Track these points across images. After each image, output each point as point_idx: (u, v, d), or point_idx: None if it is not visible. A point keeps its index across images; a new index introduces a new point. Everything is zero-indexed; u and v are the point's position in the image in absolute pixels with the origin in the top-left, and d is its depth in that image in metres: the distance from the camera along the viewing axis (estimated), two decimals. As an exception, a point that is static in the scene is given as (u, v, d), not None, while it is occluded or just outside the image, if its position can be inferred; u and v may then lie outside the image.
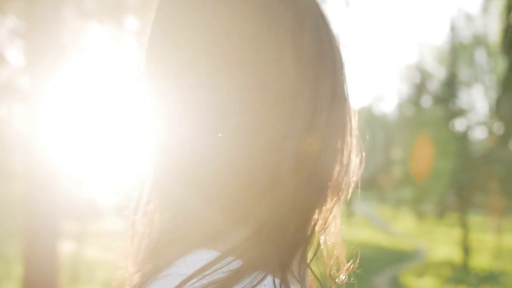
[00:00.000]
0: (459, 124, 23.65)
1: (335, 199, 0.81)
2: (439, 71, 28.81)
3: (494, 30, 24.82)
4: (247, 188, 0.74)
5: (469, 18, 27.70)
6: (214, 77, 0.76)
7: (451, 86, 22.96)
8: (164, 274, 0.71)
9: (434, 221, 25.49)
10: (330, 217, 0.82)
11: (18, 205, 11.16)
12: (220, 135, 0.75)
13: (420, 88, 29.09)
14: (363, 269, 0.88)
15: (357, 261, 0.87)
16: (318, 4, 0.84)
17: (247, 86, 0.75)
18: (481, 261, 14.70)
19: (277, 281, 0.72)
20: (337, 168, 0.80)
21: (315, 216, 0.79)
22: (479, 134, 28.11)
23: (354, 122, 0.84)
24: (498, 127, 22.77)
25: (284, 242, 0.73)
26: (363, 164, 0.86)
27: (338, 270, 0.86)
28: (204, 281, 0.68)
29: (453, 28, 25.51)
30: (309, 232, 0.78)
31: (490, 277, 12.08)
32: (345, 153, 0.81)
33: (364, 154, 0.85)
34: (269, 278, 0.71)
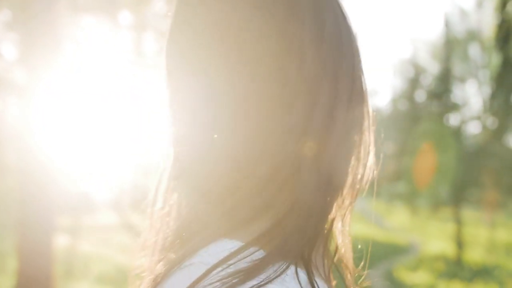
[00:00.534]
0: (453, 119, 23.70)
1: (352, 194, 0.82)
2: (433, 66, 28.80)
3: (488, 25, 24.83)
4: (268, 180, 0.75)
5: (463, 13, 27.68)
6: (235, 69, 0.77)
7: (445, 81, 22.99)
8: (188, 264, 0.71)
9: (428, 215, 25.55)
10: (348, 212, 0.82)
11: (13, 199, 11.15)
12: (240, 126, 0.75)
13: (414, 83, 29.10)
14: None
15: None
16: None
17: (268, 78, 0.75)
18: (474, 255, 14.75)
19: (300, 271, 0.72)
20: (355, 163, 0.81)
21: (333, 211, 0.79)
22: (473, 129, 28.17)
23: (372, 117, 0.84)
24: (492, 122, 22.81)
25: (305, 234, 0.73)
26: (380, 160, 0.86)
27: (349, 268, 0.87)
28: (229, 270, 0.68)
29: (447, 23, 25.51)
30: (328, 226, 0.79)
31: (484, 271, 12.13)
32: (363, 148, 0.82)
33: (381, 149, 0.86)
34: (292, 268, 0.72)
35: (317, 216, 0.75)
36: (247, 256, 0.71)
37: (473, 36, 27.37)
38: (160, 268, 0.74)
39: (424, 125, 21.42)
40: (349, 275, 0.86)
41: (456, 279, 10.89)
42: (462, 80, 27.43)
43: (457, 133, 22.02)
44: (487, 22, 24.83)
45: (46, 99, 7.28)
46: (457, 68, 26.80)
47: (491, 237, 17.94)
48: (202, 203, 0.78)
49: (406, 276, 11.31)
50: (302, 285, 0.71)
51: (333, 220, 0.80)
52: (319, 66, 0.77)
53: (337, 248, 0.84)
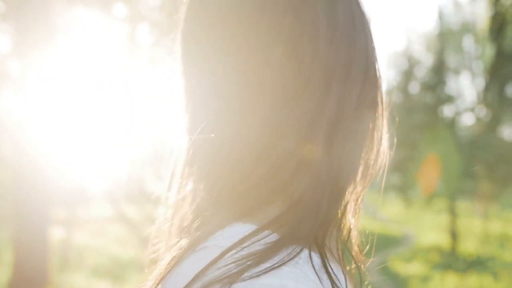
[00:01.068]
0: (447, 111, 23.71)
1: (365, 180, 0.82)
2: (427, 58, 28.81)
3: (482, 17, 24.85)
4: (281, 165, 0.76)
5: (457, 5, 27.72)
6: (249, 57, 0.77)
7: (439, 72, 22.97)
8: (202, 246, 0.72)
9: (421, 207, 25.58)
10: (360, 199, 0.83)
11: (8, 192, 11.12)
12: (254, 112, 0.76)
13: (408, 75, 29.11)
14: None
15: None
16: None
17: (282, 65, 0.76)
18: (469, 246, 14.80)
19: (313, 254, 0.73)
20: (368, 149, 0.81)
21: (347, 196, 0.80)
22: (467, 120, 28.22)
23: (385, 103, 0.84)
24: (486, 114, 22.85)
25: (318, 218, 0.74)
26: (393, 146, 0.87)
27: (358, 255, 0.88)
28: (243, 253, 0.69)
29: (441, 15, 25.50)
30: (341, 211, 0.79)
31: (478, 262, 12.17)
32: (376, 134, 0.82)
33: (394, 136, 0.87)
34: (305, 252, 0.72)
35: (330, 200, 0.76)
36: (261, 239, 0.72)
37: (467, 28, 27.40)
38: (175, 251, 0.75)
39: (418, 117, 21.43)
40: (358, 260, 0.87)
41: (450, 270, 10.92)
42: (456, 72, 27.46)
43: (451, 124, 22.05)
44: (481, 14, 24.85)
45: (40, 92, 7.26)
46: (451, 60, 26.83)
47: (485, 228, 18.00)
48: (216, 188, 0.79)
49: (401, 267, 11.34)
50: (316, 268, 0.72)
51: (346, 204, 0.81)
52: (333, 53, 0.77)
53: (350, 231, 0.85)
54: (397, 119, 0.93)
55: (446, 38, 25.23)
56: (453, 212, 17.01)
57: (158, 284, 0.75)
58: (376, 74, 0.82)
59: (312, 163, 0.75)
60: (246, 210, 0.76)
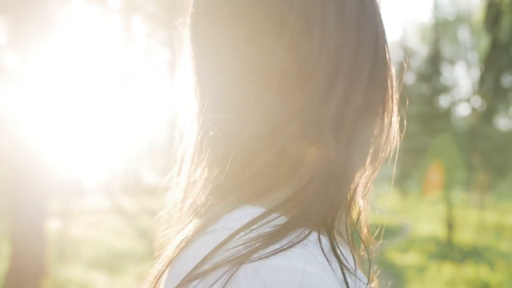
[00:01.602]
0: (442, 101, 23.75)
1: (375, 163, 0.82)
2: (422, 48, 28.84)
3: (477, 8, 24.84)
4: (290, 148, 0.75)
5: (452, -5, 27.69)
6: (258, 41, 0.77)
7: (434, 63, 23.00)
8: (211, 229, 0.72)
9: (417, 197, 25.66)
10: (370, 182, 0.83)
11: (5, 185, 11.11)
12: (262, 95, 0.76)
13: (403, 65, 29.13)
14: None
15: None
16: None
17: (290, 49, 0.76)
18: (465, 236, 14.84)
19: (322, 237, 0.73)
20: (378, 132, 0.81)
21: (356, 179, 0.80)
22: (462, 111, 28.27)
23: (395, 87, 0.84)
24: (481, 104, 22.88)
25: (326, 201, 0.74)
26: (404, 129, 0.87)
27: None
28: (252, 235, 0.69)
29: (436, 6, 25.54)
30: (350, 194, 0.79)
31: (474, 252, 12.20)
32: (386, 117, 0.82)
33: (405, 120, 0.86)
34: (314, 234, 0.72)
35: (339, 184, 0.76)
36: (270, 222, 0.72)
37: (462, 18, 27.42)
38: (184, 234, 0.75)
39: (413, 108, 21.46)
40: (367, 242, 0.87)
41: (446, 260, 10.95)
42: (452, 62, 27.49)
43: (446, 115, 22.09)
44: (476, 5, 24.86)
45: (36, 85, 7.25)
46: (447, 50, 26.84)
47: (481, 219, 18.05)
48: (225, 172, 0.79)
49: (397, 257, 11.37)
50: (325, 251, 0.72)
51: (356, 188, 0.80)
52: (341, 36, 0.77)
53: (359, 214, 0.85)
54: (407, 102, 0.93)
55: (441, 28, 25.26)
56: (449, 203, 17.06)
57: (167, 267, 0.74)
58: (385, 57, 0.82)
59: (320, 146, 0.74)
60: (255, 193, 0.76)
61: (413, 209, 23.11)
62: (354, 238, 0.83)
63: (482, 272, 9.63)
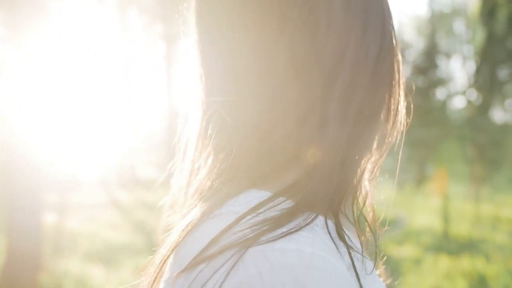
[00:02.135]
0: (438, 94, 23.77)
1: (381, 149, 0.82)
2: (418, 41, 28.83)
3: (473, 1, 24.86)
4: (296, 131, 0.75)
5: (448, -12, 27.69)
6: (263, 24, 0.76)
7: (430, 56, 23.02)
8: (217, 213, 0.72)
9: (413, 190, 25.68)
10: (377, 168, 0.83)
11: (1, 179, 11.09)
12: (267, 79, 0.75)
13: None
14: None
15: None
16: None
17: (296, 32, 0.75)
18: (461, 229, 14.86)
19: (329, 222, 0.73)
20: (385, 117, 0.81)
21: (362, 164, 0.79)
22: (458, 103, 28.30)
23: (402, 72, 0.84)
24: (477, 97, 22.91)
25: (332, 186, 0.74)
26: (411, 115, 0.87)
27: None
28: (258, 218, 0.68)
29: (432, -2, 25.49)
30: (357, 179, 0.79)
31: (470, 244, 12.23)
32: (393, 101, 0.81)
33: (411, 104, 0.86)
34: (321, 218, 0.72)
35: (345, 168, 0.75)
36: (276, 206, 0.72)
37: (458, 11, 27.42)
38: (189, 218, 0.75)
39: (409, 100, 21.47)
40: (373, 226, 0.87)
41: (442, 252, 10.96)
42: (447, 55, 27.49)
43: (442, 107, 22.11)
44: (472, -3, 24.84)
45: (32, 77, 7.23)
46: (443, 43, 26.84)
47: (477, 211, 18.07)
48: (230, 155, 0.78)
49: (393, 249, 11.38)
50: (332, 235, 0.72)
51: (362, 173, 0.80)
52: (348, 20, 0.77)
53: (365, 198, 0.84)
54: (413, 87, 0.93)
55: (437, 21, 25.25)
56: (445, 195, 17.07)
57: (172, 251, 0.74)
58: (392, 42, 0.82)
59: (326, 130, 0.74)
60: (261, 177, 0.76)
61: (409, 202, 23.15)
62: (359, 223, 0.83)
63: (478, 264, 9.65)
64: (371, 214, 0.88)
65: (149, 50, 26.68)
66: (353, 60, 0.76)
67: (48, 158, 8.23)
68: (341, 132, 0.74)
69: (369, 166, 0.83)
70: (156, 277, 0.77)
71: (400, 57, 0.83)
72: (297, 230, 0.68)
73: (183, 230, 0.73)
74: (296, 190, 0.73)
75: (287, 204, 0.72)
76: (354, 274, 0.72)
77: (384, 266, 0.96)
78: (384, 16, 0.81)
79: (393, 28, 0.82)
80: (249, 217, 0.69)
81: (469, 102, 24.05)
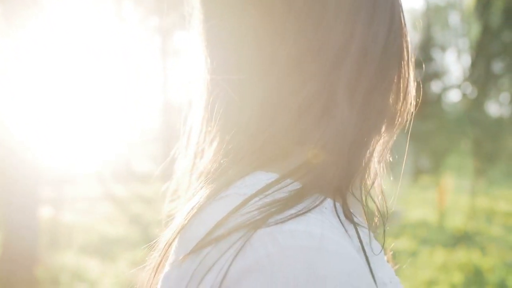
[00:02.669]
0: (433, 87, 23.76)
1: (391, 130, 0.81)
2: (413, 35, 28.79)
3: (468, -6, 24.85)
4: (303, 112, 0.74)
5: (443, -19, 27.67)
6: (270, 3, 0.75)
7: (425, 49, 23.00)
8: (223, 195, 0.71)
9: (409, 183, 25.72)
10: (386, 149, 0.82)
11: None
12: (275, 58, 0.74)
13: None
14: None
15: None
16: None
17: (303, 12, 0.74)
18: (456, 222, 14.89)
19: (337, 204, 0.72)
20: (393, 98, 0.80)
21: (371, 146, 0.78)
22: (453, 97, 28.31)
23: (411, 52, 0.83)
24: (472, 90, 22.91)
25: (341, 168, 0.73)
26: (420, 95, 0.86)
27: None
28: (266, 200, 0.67)
29: (427, -9, 25.46)
30: (365, 160, 0.78)
31: (465, 237, 12.25)
32: (402, 82, 0.81)
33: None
34: (329, 201, 0.71)
35: (354, 150, 0.74)
36: (284, 188, 0.71)
37: (453, 4, 27.43)
38: (195, 200, 0.74)
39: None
40: (381, 208, 0.86)
41: (438, 245, 10.99)
42: (443, 48, 27.48)
43: (437, 101, 22.11)
44: (467, -10, 24.85)
45: (27, 71, 7.20)
46: (438, 36, 26.83)
47: (472, 204, 18.10)
48: (237, 137, 0.77)
49: (389, 242, 11.41)
50: (341, 218, 0.71)
51: (371, 154, 0.79)
52: (356, 1, 0.76)
53: (374, 180, 0.84)
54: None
55: (432, 14, 25.23)
56: (440, 188, 17.09)
57: (177, 234, 0.73)
58: (401, 22, 0.81)
59: (335, 111, 0.73)
60: (268, 158, 0.75)
61: (405, 195, 23.18)
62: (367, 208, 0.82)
63: (474, 256, 9.67)
64: (379, 197, 0.87)
65: (145, 43, 26.62)
66: (362, 41, 0.75)
67: (44, 152, 8.21)
68: (350, 113, 0.73)
69: (378, 148, 0.82)
70: (161, 261, 0.76)
71: (409, 37, 0.82)
72: (306, 212, 0.67)
73: (188, 212, 0.73)
74: (304, 172, 0.72)
75: (295, 186, 0.71)
76: (363, 257, 0.71)
77: (392, 252, 0.95)
78: None
79: (401, 9, 0.82)
80: (257, 198, 0.68)
81: (464, 95, 24.05)
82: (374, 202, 0.84)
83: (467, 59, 25.49)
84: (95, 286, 7.50)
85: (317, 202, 0.69)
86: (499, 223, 14.54)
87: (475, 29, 22.44)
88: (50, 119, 8.54)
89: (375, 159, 0.82)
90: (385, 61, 0.77)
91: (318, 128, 0.73)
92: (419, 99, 0.82)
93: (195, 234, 0.69)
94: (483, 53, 21.14)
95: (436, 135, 19.47)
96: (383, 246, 0.82)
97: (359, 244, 0.72)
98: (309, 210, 0.67)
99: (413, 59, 0.83)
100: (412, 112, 0.84)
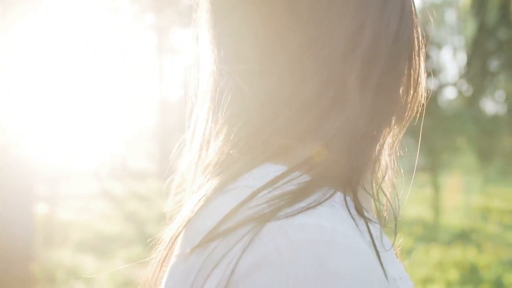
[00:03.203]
0: (429, 84, 23.76)
1: (401, 122, 0.80)
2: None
3: (464, -9, 24.86)
4: (313, 103, 0.72)
5: (439, -22, 27.69)
6: None
7: (421, 47, 22.99)
8: (231, 187, 0.69)
9: (405, 180, 25.77)
10: (397, 141, 0.81)
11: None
12: (283, 48, 0.73)
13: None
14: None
15: None
16: None
17: (312, 1, 0.73)
18: (452, 219, 14.92)
19: (348, 198, 0.70)
20: (403, 89, 0.79)
21: (382, 139, 0.77)
22: (449, 94, 28.33)
23: (422, 42, 0.82)
24: (468, 88, 22.92)
25: (351, 160, 0.71)
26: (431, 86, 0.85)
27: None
28: (275, 193, 0.66)
29: (423, -11, 25.49)
30: (376, 152, 0.76)
31: (461, 234, 12.27)
32: (413, 74, 0.79)
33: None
34: (339, 195, 0.70)
35: (364, 142, 0.73)
36: (293, 180, 0.69)
37: (449, 2, 27.45)
38: (201, 193, 0.72)
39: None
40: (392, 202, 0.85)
41: (434, 242, 11.00)
42: (439, 45, 27.48)
43: (433, 98, 22.11)
44: (463, -12, 24.86)
45: (23, 68, 7.18)
46: (434, 33, 26.84)
47: (468, 202, 18.13)
48: (244, 128, 0.76)
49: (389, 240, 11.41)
50: (351, 212, 0.70)
51: (381, 147, 0.78)
52: None
53: (385, 173, 0.82)
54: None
55: (428, 12, 25.23)
56: (436, 186, 17.10)
57: (184, 227, 0.72)
58: (412, 12, 0.79)
59: (344, 101, 0.71)
60: (276, 150, 0.73)
61: (400, 192, 23.20)
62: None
63: (470, 254, 9.68)
64: (390, 190, 0.86)
65: (141, 40, 26.59)
66: (373, 30, 0.73)
67: (39, 149, 8.19)
68: (361, 103, 0.71)
69: (388, 140, 0.81)
70: (166, 255, 0.75)
71: (419, 27, 0.81)
72: (316, 205, 0.65)
73: (195, 205, 0.71)
74: (313, 164, 0.71)
75: (303, 178, 0.70)
76: (374, 252, 0.69)
77: (400, 248, 0.94)
78: None
79: None
80: (265, 191, 0.67)
81: (460, 93, 24.06)
82: (386, 196, 0.83)
83: (463, 57, 25.51)
84: (91, 283, 7.48)
85: (327, 196, 0.68)
86: (494, 220, 14.57)
87: (471, 27, 22.43)
88: (46, 116, 8.52)
89: (385, 152, 0.81)
90: (396, 52, 0.75)
91: (328, 118, 0.72)
92: (429, 91, 0.81)
93: (202, 228, 0.67)
94: (479, 51, 21.15)
95: (432, 132, 19.49)
96: (395, 238, 0.81)
97: (370, 239, 0.70)
98: (319, 203, 0.66)
99: (423, 50, 0.82)
100: (423, 104, 0.82)
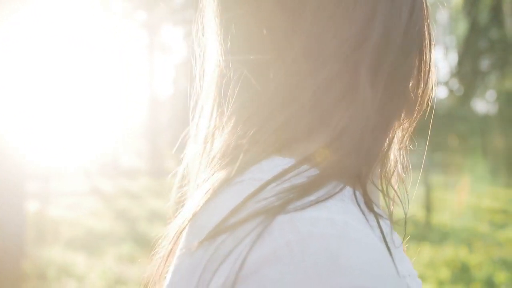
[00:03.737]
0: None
1: (412, 115, 0.79)
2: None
3: (455, -9, 24.92)
4: (322, 94, 0.70)
5: (431, -22, 27.74)
6: None
7: (413, 46, 23.05)
8: (238, 180, 0.68)
9: (396, 180, 25.84)
10: (407, 135, 0.80)
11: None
12: (294, 38, 0.72)
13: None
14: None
15: None
16: None
17: None
18: (443, 218, 14.95)
19: (357, 193, 0.69)
20: (414, 83, 0.78)
21: (391, 133, 0.76)
22: (440, 93, 28.42)
23: (433, 35, 0.81)
24: (459, 87, 22.99)
25: (361, 154, 0.69)
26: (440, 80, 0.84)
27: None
28: (284, 186, 0.64)
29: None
30: (386, 147, 0.75)
31: (452, 233, 12.30)
32: (423, 67, 0.78)
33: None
34: (348, 189, 0.68)
35: (375, 135, 0.71)
36: (302, 173, 0.67)
37: (441, 1, 27.47)
38: (207, 186, 0.71)
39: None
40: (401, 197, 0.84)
41: (425, 241, 11.02)
42: (430, 45, 27.49)
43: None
44: (455, -12, 24.92)
45: (14, 66, 7.15)
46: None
47: (459, 201, 18.17)
48: (252, 120, 0.74)
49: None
50: (361, 207, 0.69)
51: (391, 141, 0.76)
52: None
53: (394, 168, 0.81)
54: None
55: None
56: (427, 185, 17.15)
57: (189, 221, 0.70)
58: (423, 5, 0.78)
59: (355, 94, 0.70)
60: (284, 143, 0.71)
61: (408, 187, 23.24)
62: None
63: (461, 253, 9.70)
64: (399, 186, 0.85)
65: (131, 38, 26.53)
66: (384, 22, 0.72)
67: (31, 147, 8.16)
68: (372, 96, 0.70)
69: (398, 134, 0.80)
70: (171, 250, 0.74)
71: (430, 20, 0.80)
72: (326, 199, 0.64)
73: (201, 198, 0.70)
74: (322, 157, 0.69)
75: (312, 172, 0.68)
76: (385, 247, 0.68)
77: (407, 246, 0.93)
78: None
79: None
80: (274, 184, 0.65)
81: (451, 92, 24.13)
82: (395, 191, 0.81)
83: (454, 56, 25.58)
84: (82, 280, 7.47)
85: (337, 189, 0.66)
86: (485, 219, 14.61)
87: (463, 27, 22.51)
88: (37, 115, 8.48)
89: (395, 145, 0.80)
90: (406, 44, 0.74)
91: (338, 110, 0.70)
92: (437, 85, 0.80)
93: (208, 221, 0.66)
94: (470, 51, 21.21)
95: (422, 131, 19.53)
96: (405, 234, 0.80)
97: (381, 234, 0.69)
98: (330, 197, 0.64)
99: (434, 43, 0.81)
100: (433, 98, 0.82)
